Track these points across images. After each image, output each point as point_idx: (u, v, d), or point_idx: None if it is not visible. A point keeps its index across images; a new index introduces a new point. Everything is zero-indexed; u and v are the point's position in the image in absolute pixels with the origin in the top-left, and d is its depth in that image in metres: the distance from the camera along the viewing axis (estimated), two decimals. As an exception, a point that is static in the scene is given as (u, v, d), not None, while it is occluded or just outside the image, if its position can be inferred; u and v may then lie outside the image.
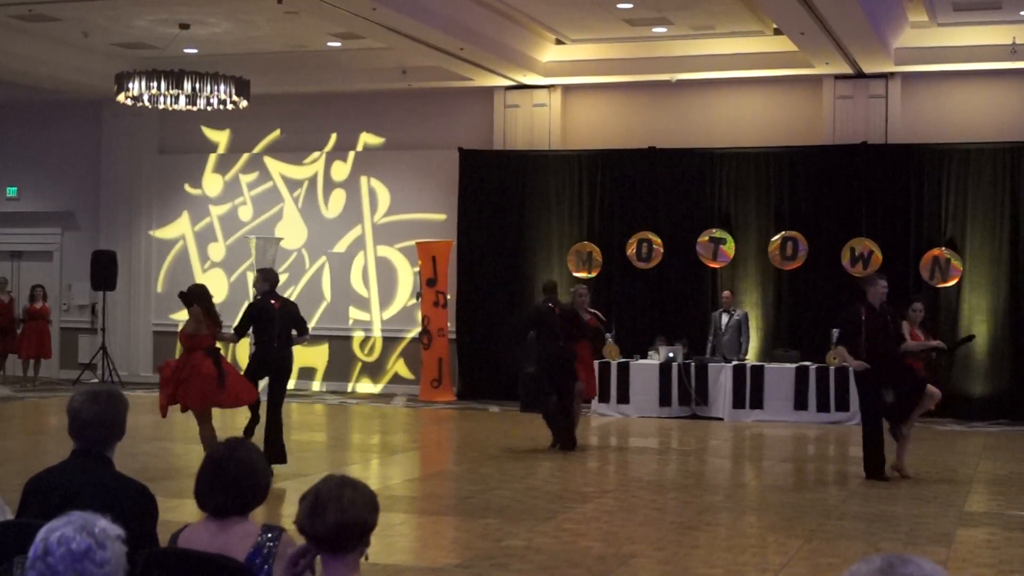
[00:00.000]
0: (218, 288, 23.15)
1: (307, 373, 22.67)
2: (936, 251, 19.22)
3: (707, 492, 12.67)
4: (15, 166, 24.52)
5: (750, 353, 19.45)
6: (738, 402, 18.68)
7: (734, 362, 18.87)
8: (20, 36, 19.72)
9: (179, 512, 9.76)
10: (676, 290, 20.36)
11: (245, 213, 23.16)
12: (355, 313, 22.47)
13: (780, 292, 20.06)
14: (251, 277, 21.36)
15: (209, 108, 18.57)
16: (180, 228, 23.59)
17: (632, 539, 9.83)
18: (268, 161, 23.06)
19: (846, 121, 20.00)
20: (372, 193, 22.46)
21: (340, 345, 22.52)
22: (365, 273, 22.46)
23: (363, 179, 22.49)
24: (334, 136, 22.78)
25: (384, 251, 22.37)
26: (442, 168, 21.75)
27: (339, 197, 22.64)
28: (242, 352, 20.99)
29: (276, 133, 23.08)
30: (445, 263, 21.11)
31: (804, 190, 19.98)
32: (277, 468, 11.85)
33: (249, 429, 12.93)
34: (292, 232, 22.72)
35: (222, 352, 12.94)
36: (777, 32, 18.77)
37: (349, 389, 22.36)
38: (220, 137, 23.40)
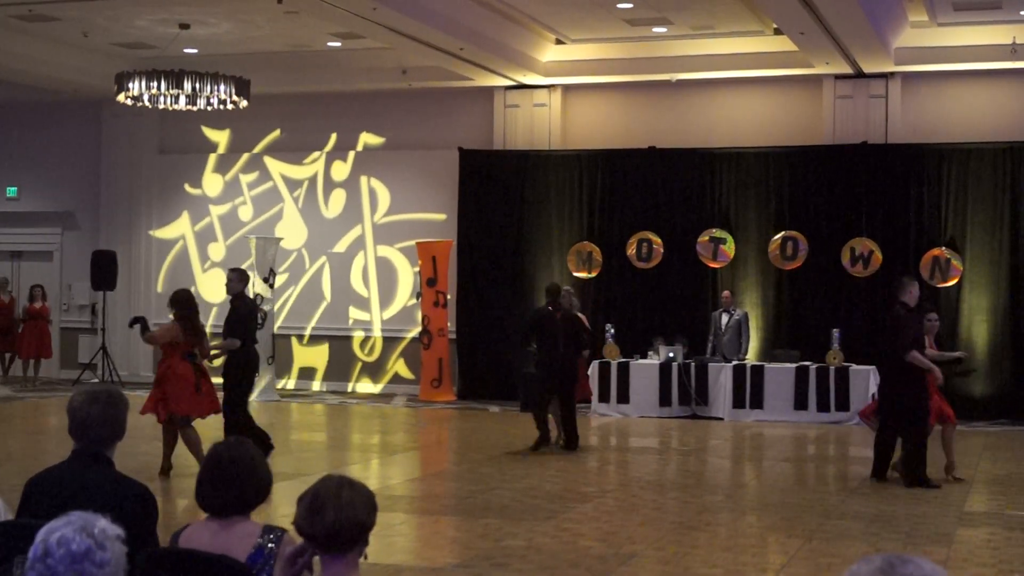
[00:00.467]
0: (218, 288, 23.17)
1: (307, 373, 22.68)
2: (936, 251, 19.23)
3: (707, 492, 12.68)
4: (15, 166, 24.52)
5: (750, 353, 19.45)
6: (738, 402, 18.68)
7: (734, 362, 18.87)
8: (20, 36, 19.72)
9: (179, 512, 9.77)
10: (676, 290, 20.36)
11: (245, 213, 23.16)
12: (355, 313, 22.47)
13: (780, 292, 20.06)
14: (252, 277, 21.38)
15: (209, 108, 18.57)
16: (180, 228, 23.59)
17: (632, 539, 9.83)
18: (268, 161, 23.06)
19: (846, 121, 20.00)
20: (372, 193, 22.46)
21: (340, 345, 22.53)
22: (365, 273, 22.46)
23: (363, 179, 22.49)
24: (334, 136, 22.78)
25: (384, 251, 22.37)
26: (442, 168, 21.75)
27: (339, 197, 22.64)
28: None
29: (276, 133, 23.08)
30: (445, 263, 21.11)
31: (804, 190, 19.98)
32: (276, 468, 11.82)
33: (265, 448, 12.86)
34: (292, 232, 22.72)
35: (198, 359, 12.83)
36: (777, 32, 18.77)
37: (349, 389, 22.36)
38: (220, 137, 23.41)
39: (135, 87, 17.92)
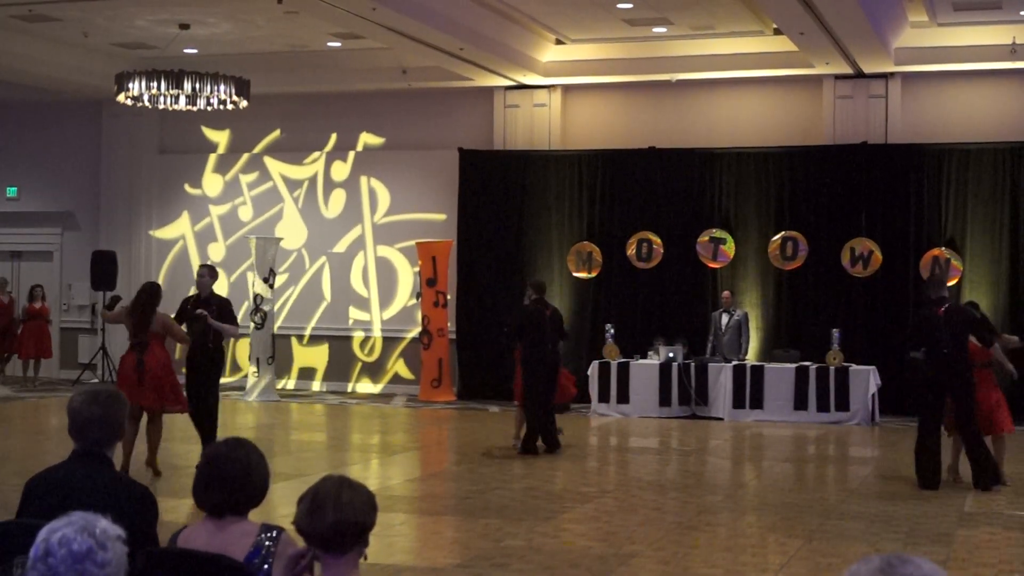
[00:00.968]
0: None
1: (307, 373, 22.69)
2: (936, 251, 19.23)
3: (707, 492, 12.68)
4: (15, 166, 24.52)
5: (750, 353, 19.45)
6: (738, 402, 18.68)
7: (734, 362, 18.86)
8: (20, 36, 19.72)
9: (179, 512, 9.78)
10: (676, 290, 20.36)
11: (245, 213, 23.16)
12: (355, 313, 22.47)
13: (780, 292, 20.06)
14: (251, 277, 21.41)
15: (209, 108, 18.56)
16: (180, 228, 23.59)
17: (632, 539, 9.83)
18: (268, 161, 23.06)
19: (846, 121, 20.00)
20: (372, 193, 22.46)
21: (340, 345, 22.53)
22: (365, 273, 22.46)
23: (363, 179, 22.49)
24: (334, 136, 22.78)
25: (384, 251, 22.37)
26: (442, 168, 21.75)
27: (339, 197, 22.64)
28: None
29: (276, 133, 23.08)
30: (445, 263, 21.11)
31: (804, 190, 19.99)
32: (275, 468, 11.82)
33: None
34: (292, 232, 22.72)
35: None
36: (777, 32, 18.77)
37: (349, 389, 22.36)
38: (220, 137, 23.41)
39: (135, 87, 17.91)
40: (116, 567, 3.15)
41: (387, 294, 22.31)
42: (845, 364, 18.42)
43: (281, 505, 9.65)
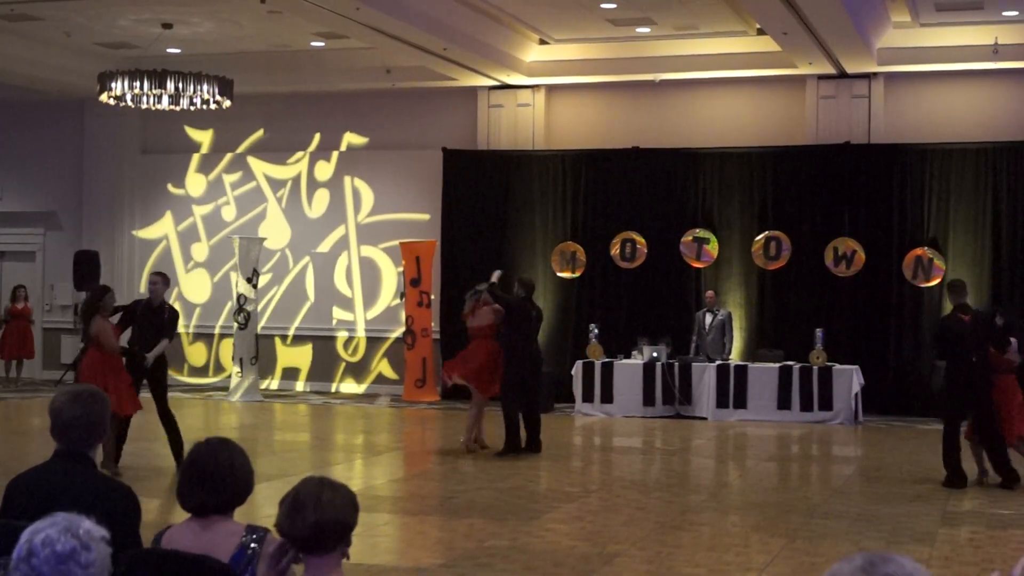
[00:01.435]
0: (201, 288, 23.16)
1: (291, 373, 22.66)
2: (919, 251, 19.29)
3: (691, 492, 12.69)
4: (-3, 166, 24.46)
5: (734, 353, 19.48)
6: (722, 402, 18.70)
7: (718, 362, 18.89)
8: (2, 36, 19.63)
9: (162, 512, 9.75)
10: (660, 290, 20.38)
11: (228, 213, 23.12)
12: (339, 313, 22.44)
13: (763, 292, 20.10)
14: (234, 277, 21.36)
15: (192, 108, 18.53)
16: (163, 228, 23.54)
17: (616, 539, 9.83)
18: (251, 161, 23.02)
19: (829, 121, 20.05)
20: (356, 193, 22.44)
21: (324, 345, 22.50)
22: (349, 273, 22.43)
23: (347, 179, 22.47)
24: (318, 136, 22.75)
25: (368, 251, 22.35)
26: (426, 168, 21.74)
27: (323, 197, 22.61)
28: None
29: (259, 133, 23.05)
30: (429, 263, 21.10)
31: (787, 190, 20.03)
32: (259, 469, 11.78)
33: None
34: (276, 232, 22.69)
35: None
36: (760, 32, 18.79)
37: (333, 389, 22.34)
38: (203, 137, 23.37)
39: (118, 87, 17.87)
40: (100, 568, 3.14)
41: (371, 294, 22.30)
42: (828, 364, 18.46)
43: (265, 506, 9.63)
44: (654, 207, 20.49)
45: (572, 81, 21.09)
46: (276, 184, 22.89)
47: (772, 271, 19.89)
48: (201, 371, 23.15)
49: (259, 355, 21.31)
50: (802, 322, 19.34)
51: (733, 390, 18.69)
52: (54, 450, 4.92)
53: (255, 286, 21.17)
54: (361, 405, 20.51)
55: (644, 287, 20.44)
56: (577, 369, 19.34)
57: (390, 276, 22.15)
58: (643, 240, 20.33)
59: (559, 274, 20.74)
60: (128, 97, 18.16)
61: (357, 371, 22.35)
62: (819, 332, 18.68)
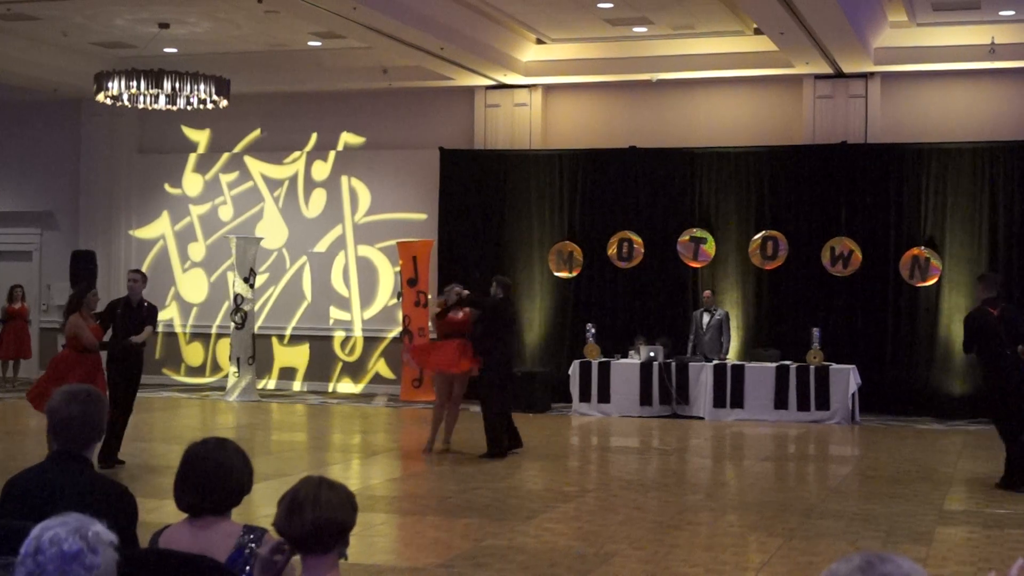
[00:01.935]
0: (198, 288, 23.14)
1: (288, 373, 22.65)
2: (915, 250, 19.30)
3: (688, 491, 12.69)
4: (-6, 166, 24.44)
5: (731, 352, 19.48)
6: (719, 401, 18.71)
7: (715, 361, 18.89)
8: (-1, 35, 19.66)
9: (159, 512, 9.73)
10: (657, 290, 20.39)
11: (225, 213, 23.12)
12: (336, 313, 22.44)
13: (760, 291, 20.10)
14: (231, 277, 21.35)
15: (189, 108, 18.51)
16: (160, 228, 23.53)
17: (613, 538, 9.83)
18: (248, 161, 23.02)
19: (826, 121, 20.05)
20: (353, 193, 22.43)
21: (321, 345, 22.50)
22: (346, 273, 22.43)
23: (344, 179, 22.47)
24: (315, 136, 22.75)
25: (365, 251, 22.34)
26: (423, 168, 21.74)
27: (320, 197, 22.60)
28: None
29: (256, 133, 23.04)
30: (426, 263, 21.10)
31: (784, 190, 20.03)
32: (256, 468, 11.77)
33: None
34: (272, 232, 22.68)
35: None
36: (757, 32, 18.80)
37: (330, 389, 22.33)
38: (200, 137, 23.36)
39: (115, 87, 17.86)
40: (104, 572, 3.14)
41: (368, 294, 22.29)
42: (825, 363, 18.47)
43: (262, 506, 9.63)
44: (651, 207, 20.50)
45: (569, 81, 21.09)
46: (273, 184, 22.88)
47: (769, 271, 19.90)
48: (198, 371, 23.13)
49: (256, 355, 21.30)
50: (799, 322, 19.34)
51: (730, 390, 18.69)
52: (51, 450, 4.92)
53: (252, 286, 21.16)
54: (358, 405, 20.50)
55: (641, 287, 20.44)
56: (574, 369, 19.35)
57: (387, 276, 22.14)
58: (640, 240, 20.33)
59: (556, 274, 20.74)
60: (125, 97, 18.15)
61: (354, 371, 22.34)
62: (816, 332, 18.69)
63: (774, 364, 18.66)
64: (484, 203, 21.25)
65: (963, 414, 18.75)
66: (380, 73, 21.02)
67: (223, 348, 22.42)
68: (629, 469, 14.51)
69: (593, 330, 19.63)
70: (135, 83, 17.84)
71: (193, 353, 23.22)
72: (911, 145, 19.58)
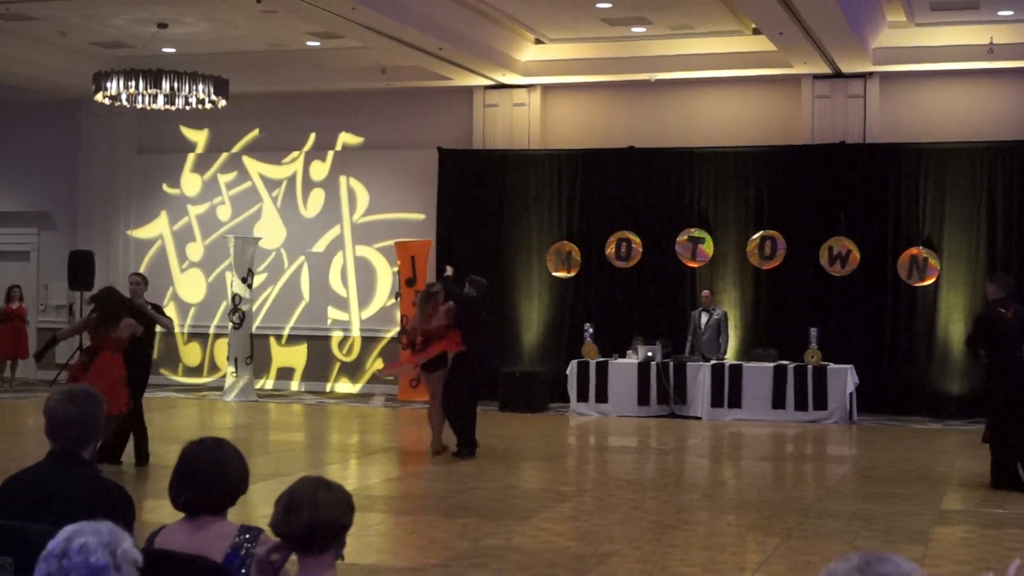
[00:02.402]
0: (196, 288, 23.14)
1: (286, 373, 22.65)
2: (914, 250, 19.30)
3: (685, 491, 12.70)
4: (-8, 165, 24.43)
5: (729, 352, 19.48)
6: (716, 401, 18.71)
7: (712, 361, 18.89)
8: (-3, 35, 19.65)
9: (155, 512, 9.73)
10: (655, 289, 20.39)
11: (224, 213, 23.11)
12: (334, 313, 22.43)
13: (758, 291, 20.11)
14: (229, 277, 21.34)
15: (187, 108, 18.52)
16: (158, 228, 23.53)
17: (610, 538, 9.83)
18: (247, 161, 23.01)
19: (824, 121, 20.06)
20: (351, 193, 22.43)
21: (319, 345, 22.49)
22: (344, 273, 22.43)
23: (342, 179, 22.47)
24: (313, 136, 22.75)
25: (363, 251, 22.34)
26: (421, 168, 21.74)
27: (318, 197, 22.60)
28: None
29: (255, 133, 23.04)
30: (424, 263, 21.10)
31: (782, 189, 20.04)
32: (253, 468, 11.76)
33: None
34: (271, 232, 22.68)
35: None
36: (756, 32, 18.80)
37: (328, 389, 22.33)
38: (198, 137, 23.35)
39: (113, 87, 17.86)
40: None
41: (366, 294, 22.29)
42: (823, 363, 18.47)
43: (259, 506, 9.63)
44: (649, 207, 20.50)
45: (568, 81, 21.09)
46: (271, 184, 22.88)
47: (767, 270, 19.90)
48: (196, 371, 23.13)
49: (254, 355, 21.29)
50: (797, 321, 19.33)
51: (728, 389, 18.69)
52: (48, 450, 4.92)
53: (250, 286, 21.15)
54: (356, 405, 20.50)
55: (639, 286, 20.45)
56: (572, 368, 19.35)
57: (385, 276, 22.14)
58: (638, 240, 20.34)
59: (554, 274, 20.75)
60: (123, 97, 18.16)
61: (352, 371, 22.34)
62: (814, 331, 18.69)
63: (772, 364, 18.66)
64: (482, 203, 21.25)
65: (961, 414, 18.75)
66: (378, 73, 21.02)
67: (221, 348, 22.42)
68: (627, 469, 14.51)
69: (591, 330, 19.63)
70: (133, 83, 17.85)
71: (191, 353, 23.22)
72: (909, 145, 19.59)
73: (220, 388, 21.41)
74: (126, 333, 12.57)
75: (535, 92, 21.43)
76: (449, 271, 15.37)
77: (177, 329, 23.01)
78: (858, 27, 17.55)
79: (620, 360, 19.32)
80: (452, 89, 21.54)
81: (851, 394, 18.31)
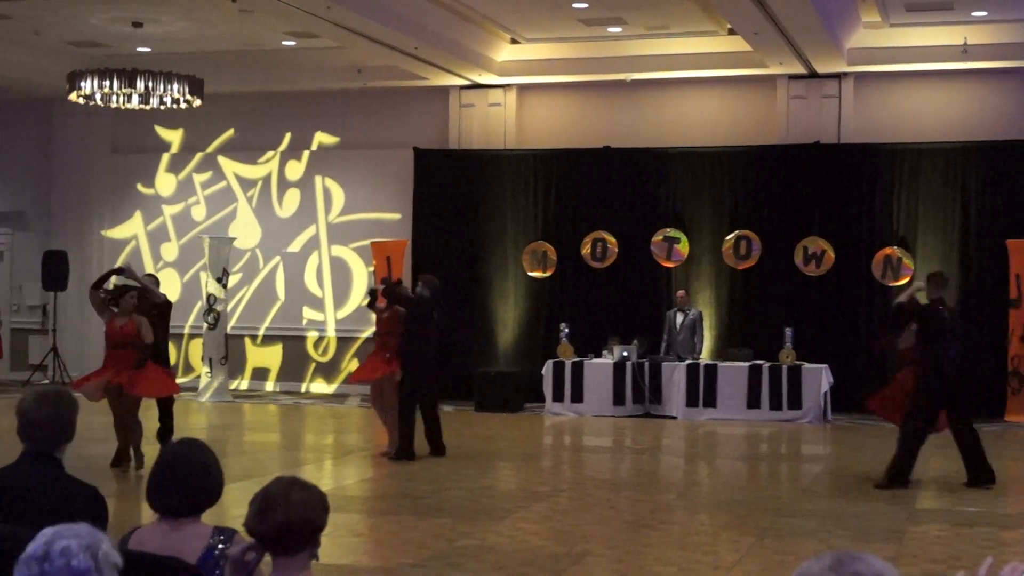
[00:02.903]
0: (171, 288, 23.03)
1: (261, 373, 22.59)
2: (888, 250, 19.38)
3: (660, 490, 12.72)
4: (-35, 165, 24.30)
5: (704, 352, 19.52)
6: (691, 400, 18.75)
7: (688, 361, 18.93)
8: (-30, 34, 19.55)
9: (129, 514, 9.70)
10: (630, 289, 20.41)
11: (198, 213, 23.04)
12: (309, 313, 22.39)
13: (734, 291, 20.15)
14: (204, 277, 21.28)
15: (162, 107, 18.46)
16: (133, 228, 23.44)
17: (586, 538, 9.85)
18: (222, 160, 22.95)
19: (799, 121, 20.12)
20: (326, 192, 22.39)
21: (294, 345, 22.45)
22: (319, 273, 22.39)
23: (317, 178, 22.43)
24: (288, 135, 22.70)
25: (338, 251, 22.30)
26: (397, 168, 21.71)
27: (293, 197, 22.55)
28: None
29: (230, 132, 22.97)
30: (400, 263, 21.07)
31: (758, 189, 20.09)
32: (228, 469, 11.76)
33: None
34: (246, 232, 22.62)
35: None
36: (731, 32, 18.84)
37: (303, 389, 22.29)
38: (173, 136, 23.28)
39: (87, 86, 17.79)
40: None
41: (341, 294, 22.26)
42: (798, 363, 18.52)
43: (234, 506, 9.59)
44: (625, 206, 20.53)
45: (543, 80, 21.10)
46: (246, 184, 22.82)
47: (742, 270, 19.95)
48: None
49: (229, 355, 21.24)
50: (772, 321, 19.38)
51: (703, 389, 18.73)
52: (21, 451, 4.90)
53: (225, 286, 21.10)
54: (331, 405, 20.47)
55: (615, 286, 20.47)
56: (547, 368, 19.36)
57: (361, 276, 22.11)
58: (614, 240, 20.36)
59: (530, 274, 20.75)
60: (98, 96, 18.09)
61: (327, 371, 22.30)
62: (788, 331, 18.74)
63: (747, 364, 18.71)
64: (458, 203, 21.24)
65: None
66: (354, 73, 20.98)
67: (195, 348, 22.35)
68: (602, 468, 14.53)
69: (567, 330, 19.65)
70: (108, 82, 17.78)
71: (166, 353, 23.10)
72: (884, 145, 19.67)
73: (195, 389, 21.33)
74: (148, 334, 12.98)
75: (511, 92, 21.44)
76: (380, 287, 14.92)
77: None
78: (833, 28, 17.61)
79: (595, 360, 19.34)
80: (428, 89, 21.53)
81: (825, 394, 18.37)
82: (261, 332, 22.62)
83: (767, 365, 18.60)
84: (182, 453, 4.47)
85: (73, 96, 18.14)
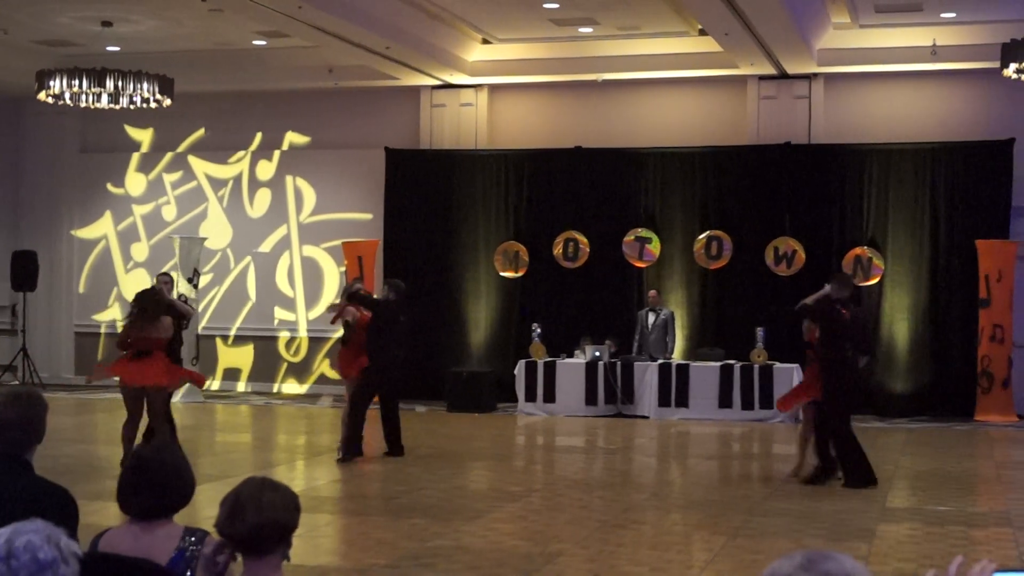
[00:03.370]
0: (141, 288, 22.91)
1: (232, 374, 22.52)
2: (858, 250, 19.45)
3: (633, 490, 12.74)
4: (-67, 165, 24.13)
5: (676, 352, 19.55)
6: (664, 400, 18.78)
7: (660, 361, 18.96)
8: (-62, 33, 19.42)
9: (100, 515, 9.64)
10: (602, 289, 20.43)
11: (169, 213, 22.95)
12: (280, 313, 22.34)
13: (705, 291, 20.20)
14: (175, 277, 21.17)
15: (132, 107, 18.37)
16: (102, 228, 23.33)
17: (558, 538, 9.85)
18: (192, 160, 22.87)
19: (770, 121, 20.18)
20: (298, 192, 22.34)
21: (265, 345, 22.39)
22: (291, 273, 22.34)
23: (289, 178, 22.37)
24: (259, 135, 22.63)
25: (310, 251, 22.25)
26: (368, 167, 21.68)
27: (264, 196, 22.50)
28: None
29: (200, 132, 22.89)
30: (372, 263, 21.03)
31: (729, 190, 20.14)
32: (200, 470, 11.73)
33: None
34: (217, 232, 22.54)
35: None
36: (702, 33, 18.89)
37: (275, 390, 22.23)
38: (143, 136, 23.18)
39: (56, 85, 17.70)
40: None
41: (313, 294, 22.21)
42: (769, 362, 18.58)
43: (205, 507, 9.56)
44: (596, 207, 20.55)
45: (515, 81, 21.11)
46: (217, 183, 22.74)
47: (714, 270, 20.00)
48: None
49: (200, 356, 21.16)
50: (743, 321, 19.43)
51: (675, 389, 18.77)
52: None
53: (196, 286, 21.03)
54: (303, 405, 20.42)
55: (587, 286, 20.49)
56: (520, 368, 19.36)
57: (332, 276, 22.07)
58: (586, 240, 20.38)
59: (502, 274, 20.75)
60: (67, 95, 17.99)
61: (299, 371, 22.25)
62: (760, 331, 18.79)
63: (718, 363, 18.75)
64: (430, 203, 21.22)
65: (905, 412, 18.93)
66: (325, 72, 20.94)
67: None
68: (575, 468, 14.54)
69: (539, 330, 19.65)
70: (77, 82, 17.69)
71: (136, 354, 22.98)
72: (854, 146, 19.75)
73: (166, 389, 21.22)
74: (166, 333, 12.98)
75: (482, 92, 21.43)
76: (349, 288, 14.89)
77: (120, 330, 22.81)
78: (803, 28, 17.67)
79: (568, 360, 19.35)
80: (399, 89, 21.51)
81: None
82: (232, 332, 22.55)
83: (739, 365, 18.65)
84: (153, 455, 4.45)
85: (42, 95, 18.04)
